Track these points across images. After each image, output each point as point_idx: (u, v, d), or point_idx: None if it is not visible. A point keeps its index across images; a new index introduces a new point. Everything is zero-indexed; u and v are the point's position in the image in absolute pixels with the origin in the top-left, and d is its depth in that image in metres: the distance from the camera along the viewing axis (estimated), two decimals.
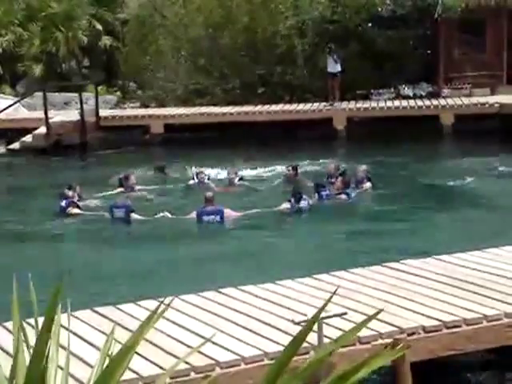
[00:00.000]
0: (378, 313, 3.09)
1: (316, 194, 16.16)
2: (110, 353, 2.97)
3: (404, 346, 6.72)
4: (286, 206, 15.39)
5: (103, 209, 16.03)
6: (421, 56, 27.68)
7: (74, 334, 6.80)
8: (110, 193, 17.67)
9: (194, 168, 19.50)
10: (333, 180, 16.93)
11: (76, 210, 15.98)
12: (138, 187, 18.04)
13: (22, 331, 2.91)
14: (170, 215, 15.07)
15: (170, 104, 28.03)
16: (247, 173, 19.57)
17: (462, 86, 26.69)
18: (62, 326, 2.98)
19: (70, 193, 16.21)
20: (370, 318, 2.97)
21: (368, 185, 17.09)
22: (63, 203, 15.89)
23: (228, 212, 14.98)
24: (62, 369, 2.98)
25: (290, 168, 18.58)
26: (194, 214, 14.90)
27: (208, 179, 18.56)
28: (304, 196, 15.43)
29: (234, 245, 13.80)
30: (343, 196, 16.28)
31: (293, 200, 15.29)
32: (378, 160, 20.81)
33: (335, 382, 2.60)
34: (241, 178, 18.44)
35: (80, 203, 16.28)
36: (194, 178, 18.61)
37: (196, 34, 28.30)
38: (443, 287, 8.26)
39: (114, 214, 15.28)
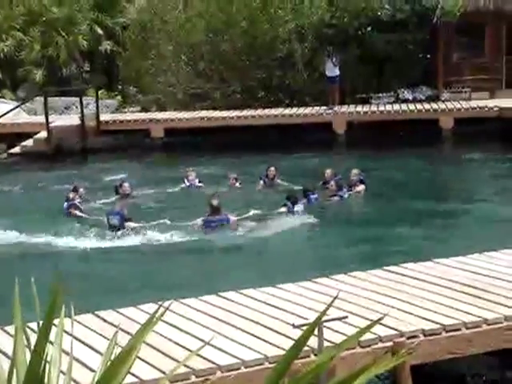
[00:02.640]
0: (381, 318, 3.10)
1: (305, 199, 16.27)
2: (112, 358, 2.98)
3: (405, 353, 6.73)
4: (283, 209, 15.52)
5: (103, 213, 15.99)
6: (420, 60, 27.68)
7: (75, 337, 6.81)
8: (107, 201, 17.61)
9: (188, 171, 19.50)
10: (327, 185, 17.08)
11: (76, 212, 15.99)
12: (134, 193, 17.98)
13: (23, 334, 2.92)
14: (169, 222, 14.99)
15: (171, 108, 28.05)
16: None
17: (462, 89, 26.73)
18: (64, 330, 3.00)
19: (71, 195, 16.23)
20: (374, 322, 2.98)
21: (362, 187, 17.29)
22: (65, 205, 15.99)
23: (233, 219, 14.93)
24: (64, 373, 2.99)
25: (271, 169, 18.49)
26: (199, 222, 14.81)
27: (199, 182, 18.50)
28: (299, 199, 15.64)
29: (233, 249, 13.80)
30: (336, 198, 16.66)
31: (289, 204, 15.43)
32: (378, 164, 20.83)
33: None
34: (240, 183, 18.36)
35: (83, 206, 16.27)
36: (184, 181, 18.55)
37: (196, 39, 28.32)
38: (443, 291, 8.27)
39: (110, 221, 15.18)
